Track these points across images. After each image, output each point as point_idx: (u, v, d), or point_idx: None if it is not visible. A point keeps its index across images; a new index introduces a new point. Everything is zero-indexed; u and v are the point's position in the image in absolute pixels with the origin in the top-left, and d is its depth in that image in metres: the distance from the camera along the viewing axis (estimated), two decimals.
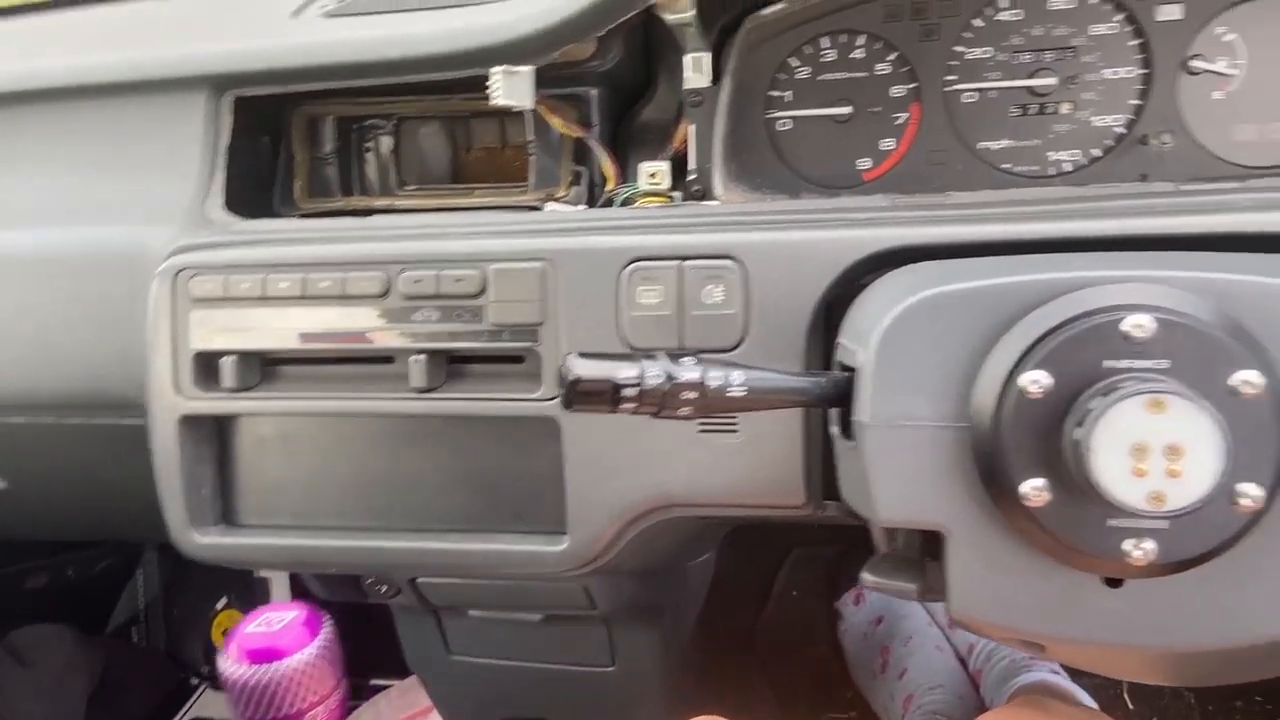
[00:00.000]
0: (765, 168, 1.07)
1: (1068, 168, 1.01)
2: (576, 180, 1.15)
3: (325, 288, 0.93)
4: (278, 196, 1.18)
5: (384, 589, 1.18)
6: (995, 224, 0.81)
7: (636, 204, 1.06)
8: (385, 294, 0.92)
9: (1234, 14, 0.94)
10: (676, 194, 1.09)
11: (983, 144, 1.03)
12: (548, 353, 0.90)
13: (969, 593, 0.71)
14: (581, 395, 0.69)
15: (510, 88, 0.99)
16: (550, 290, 0.90)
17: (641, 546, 0.99)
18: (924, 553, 0.81)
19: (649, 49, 1.16)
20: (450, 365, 0.96)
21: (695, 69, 1.06)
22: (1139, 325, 0.62)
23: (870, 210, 0.88)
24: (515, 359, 0.94)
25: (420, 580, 1.13)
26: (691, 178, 1.08)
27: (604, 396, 0.69)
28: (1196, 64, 0.96)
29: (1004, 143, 1.02)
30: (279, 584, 1.91)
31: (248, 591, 1.91)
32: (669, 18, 1.00)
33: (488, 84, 1.00)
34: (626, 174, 1.10)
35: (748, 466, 0.87)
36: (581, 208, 1.06)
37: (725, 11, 1.04)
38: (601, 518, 0.91)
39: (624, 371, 0.69)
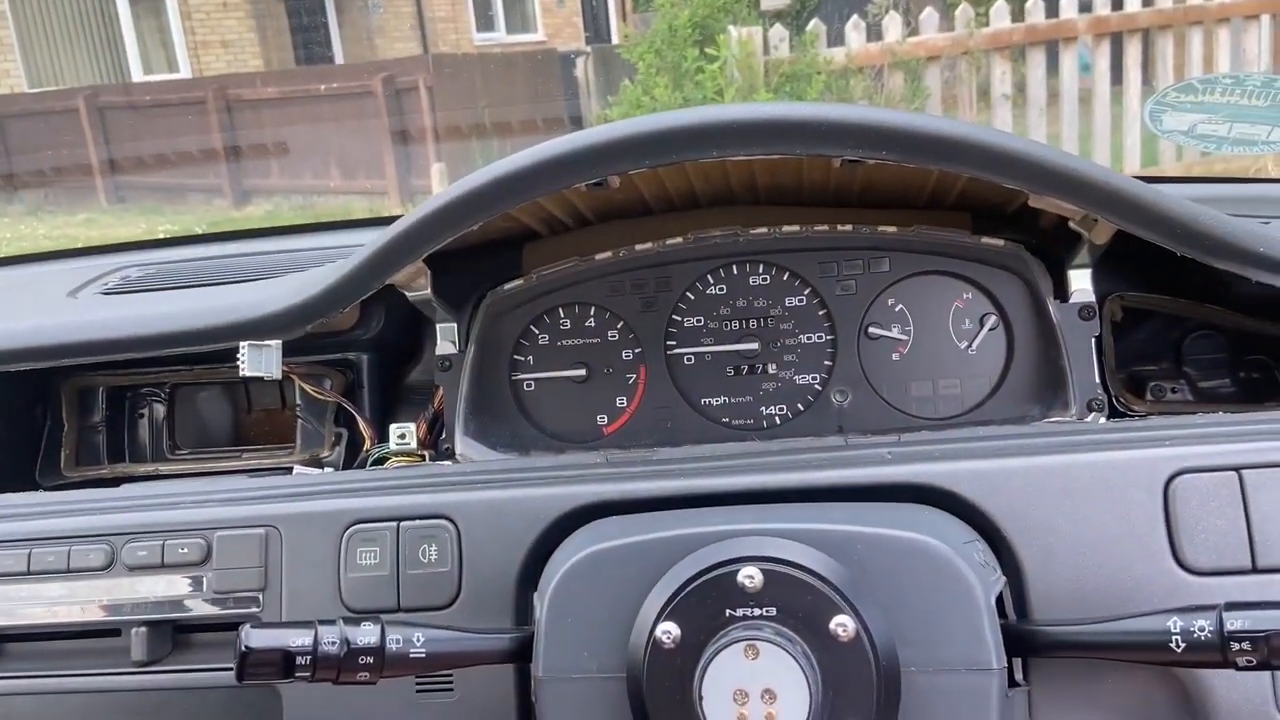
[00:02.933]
0: (512, 425, 1.15)
1: (777, 421, 1.11)
2: (338, 441, 1.21)
3: (50, 562, 0.93)
4: (40, 466, 1.19)
5: None
6: (678, 479, 0.88)
7: (388, 463, 1.12)
8: (109, 566, 0.93)
9: (899, 288, 1.09)
10: (430, 451, 1.15)
11: (705, 400, 1.13)
12: (270, 618, 0.91)
13: None
14: (252, 666, 0.71)
15: (256, 360, 1.06)
16: (273, 556, 0.92)
17: None
18: None
19: (416, 315, 1.26)
20: (178, 635, 0.96)
21: (445, 337, 1.15)
22: (750, 577, 0.69)
23: (580, 467, 0.95)
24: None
25: None
26: (444, 436, 1.14)
27: (275, 667, 0.71)
28: (873, 330, 1.09)
29: (722, 399, 1.12)
30: None
31: None
32: (410, 295, 1.10)
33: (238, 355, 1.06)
34: (386, 434, 1.16)
35: None
36: (323, 470, 1.11)
37: (465, 289, 1.14)
38: None
39: (297, 640, 0.72)
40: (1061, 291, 1.04)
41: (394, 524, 0.91)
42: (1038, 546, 0.80)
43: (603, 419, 1.14)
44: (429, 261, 1.08)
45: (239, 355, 1.06)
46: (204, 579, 0.93)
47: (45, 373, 1.16)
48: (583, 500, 0.88)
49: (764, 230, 1.10)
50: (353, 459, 1.18)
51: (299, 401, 1.22)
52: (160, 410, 1.26)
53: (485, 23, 13.53)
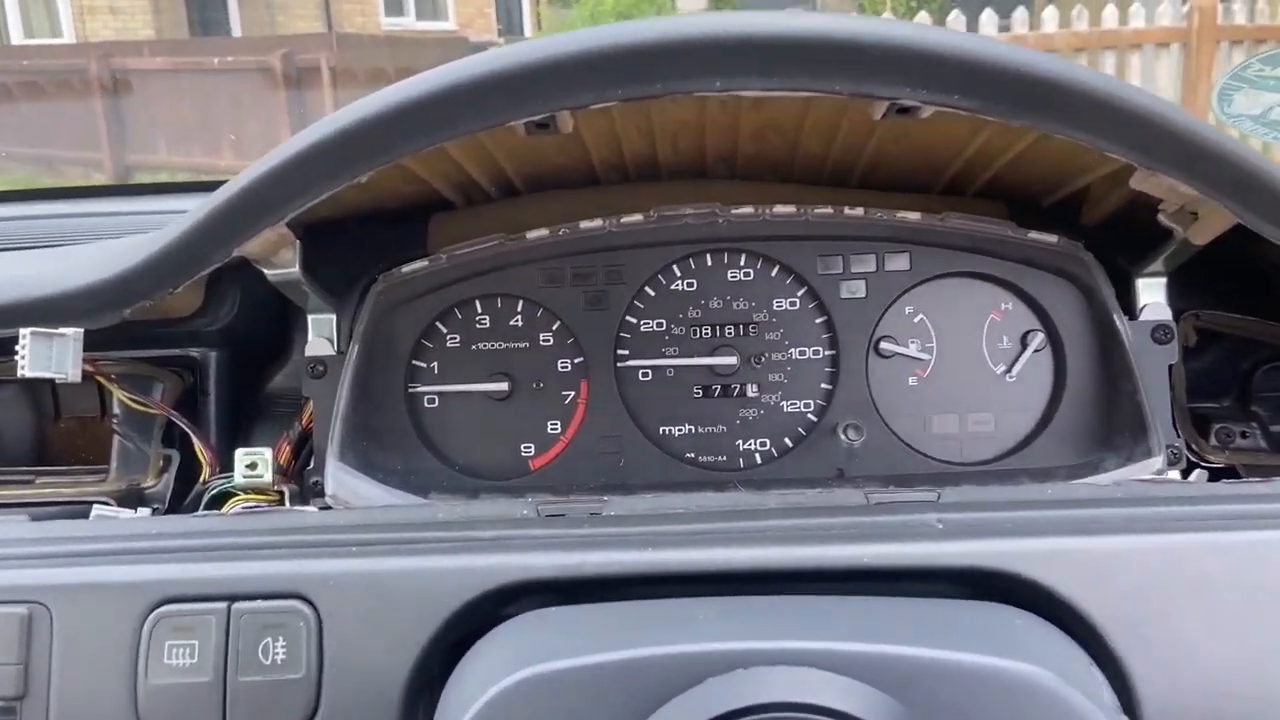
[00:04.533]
0: (406, 455, 0.86)
1: (758, 460, 0.86)
2: (167, 467, 0.90)
3: None
4: None
5: None
6: (652, 550, 0.61)
7: (230, 503, 0.82)
8: None
9: (920, 293, 0.85)
10: (292, 486, 0.86)
11: (665, 429, 0.87)
12: None
13: None
14: None
15: (44, 354, 0.75)
16: (39, 649, 0.62)
17: None
18: None
19: (285, 304, 0.96)
20: None
21: (319, 332, 0.87)
22: None
23: (501, 524, 0.67)
24: None
25: None
26: (312, 466, 0.86)
27: None
28: (886, 346, 0.85)
29: (686, 428, 0.86)
30: None
31: None
32: (272, 274, 0.81)
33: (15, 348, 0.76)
34: (229, 461, 0.86)
35: None
36: (135, 513, 0.81)
37: (349, 269, 0.86)
38: None
39: None
40: (1126, 306, 0.81)
41: (223, 605, 0.62)
42: (1161, 667, 0.56)
43: (528, 450, 0.87)
44: (301, 231, 0.79)
45: (18, 348, 0.75)
46: None
47: None
48: (506, 578, 0.61)
49: (750, 210, 0.85)
50: (186, 493, 0.88)
51: (116, 412, 0.91)
52: None
53: (394, 7, 13.03)
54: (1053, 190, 0.87)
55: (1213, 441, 0.88)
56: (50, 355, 0.75)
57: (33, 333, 0.75)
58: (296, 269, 0.80)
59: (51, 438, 1.02)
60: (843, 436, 0.82)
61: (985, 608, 0.55)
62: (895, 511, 0.64)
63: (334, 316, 0.86)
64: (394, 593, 0.62)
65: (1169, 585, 0.58)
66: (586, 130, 0.81)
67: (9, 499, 0.90)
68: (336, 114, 0.65)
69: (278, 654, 0.61)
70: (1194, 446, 0.84)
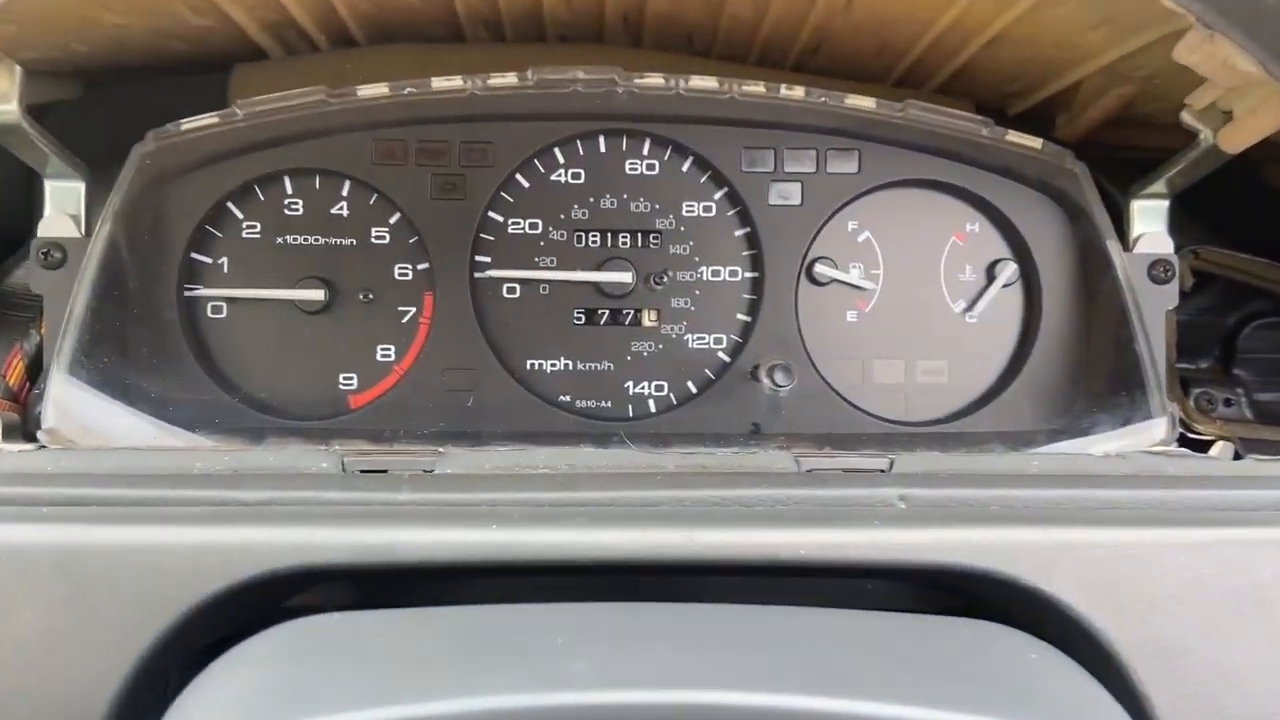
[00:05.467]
0: (169, 378, 0.64)
1: (652, 407, 0.67)
2: None
3: None
4: None
5: None
6: (483, 528, 0.42)
7: None
8: None
9: (868, 205, 0.67)
10: (10, 417, 0.62)
11: (531, 362, 0.67)
12: None
13: None
14: None
15: None
16: None
17: None
18: None
19: (34, 175, 0.71)
20: None
21: (60, 207, 0.63)
22: None
23: (285, 483, 0.46)
24: None
25: None
26: (39, 392, 0.62)
27: None
28: (822, 269, 0.66)
29: (561, 363, 0.67)
30: None
31: None
32: None
33: None
34: None
35: None
36: None
37: (119, 125, 0.62)
38: None
39: None
40: (1119, 234, 0.65)
41: None
42: (1195, 707, 0.40)
43: (349, 382, 0.67)
44: (71, 79, 0.56)
45: None
46: None
47: None
48: (271, 562, 0.40)
49: (659, 81, 0.65)
50: None
51: None
52: None
53: None
54: (1032, 90, 0.70)
55: (1193, 406, 0.74)
56: None
57: None
58: (14, 107, 0.56)
59: None
60: (766, 381, 0.63)
61: (982, 631, 0.38)
62: (838, 483, 0.46)
63: (83, 185, 0.63)
64: (98, 579, 0.41)
65: (1208, 596, 0.41)
66: None
67: None
68: None
69: None
70: (1181, 414, 0.69)
